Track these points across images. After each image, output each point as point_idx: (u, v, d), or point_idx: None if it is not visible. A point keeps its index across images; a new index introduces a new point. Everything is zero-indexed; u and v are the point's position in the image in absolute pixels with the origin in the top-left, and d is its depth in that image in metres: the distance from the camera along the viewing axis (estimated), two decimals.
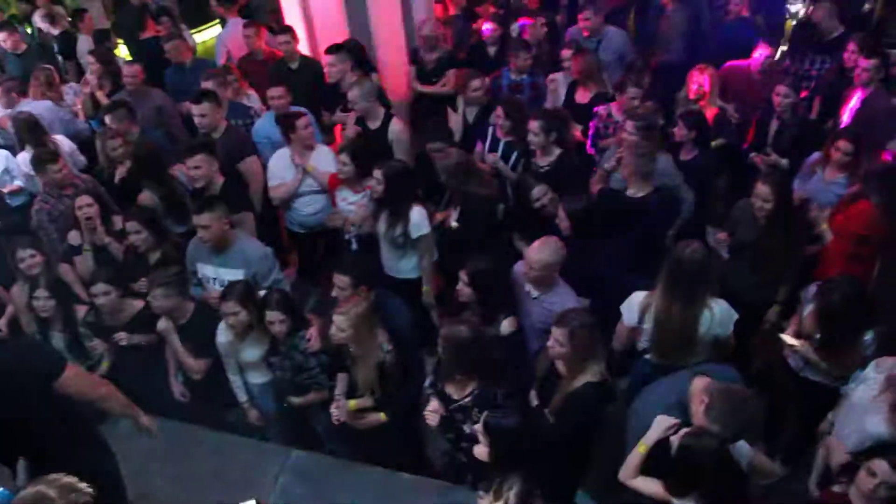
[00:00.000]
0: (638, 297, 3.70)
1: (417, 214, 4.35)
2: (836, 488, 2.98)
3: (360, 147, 4.74)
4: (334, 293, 3.84)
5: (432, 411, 3.43)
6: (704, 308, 3.54)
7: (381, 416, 3.67)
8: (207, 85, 5.47)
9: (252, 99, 6.06)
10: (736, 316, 3.63)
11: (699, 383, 2.98)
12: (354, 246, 4.86)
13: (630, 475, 2.99)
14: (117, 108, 5.46)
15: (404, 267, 4.59)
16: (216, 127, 5.17)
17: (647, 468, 2.97)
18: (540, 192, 4.33)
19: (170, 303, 3.98)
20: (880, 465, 2.70)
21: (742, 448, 2.90)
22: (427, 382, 3.65)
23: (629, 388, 3.80)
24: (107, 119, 5.43)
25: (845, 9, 6.38)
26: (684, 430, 2.84)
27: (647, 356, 3.77)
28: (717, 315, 3.57)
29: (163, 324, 4.04)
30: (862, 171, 4.44)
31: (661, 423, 2.94)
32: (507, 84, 5.96)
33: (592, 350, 3.28)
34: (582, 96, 5.71)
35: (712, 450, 2.69)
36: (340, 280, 3.77)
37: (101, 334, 4.23)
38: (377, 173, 4.29)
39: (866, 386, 3.23)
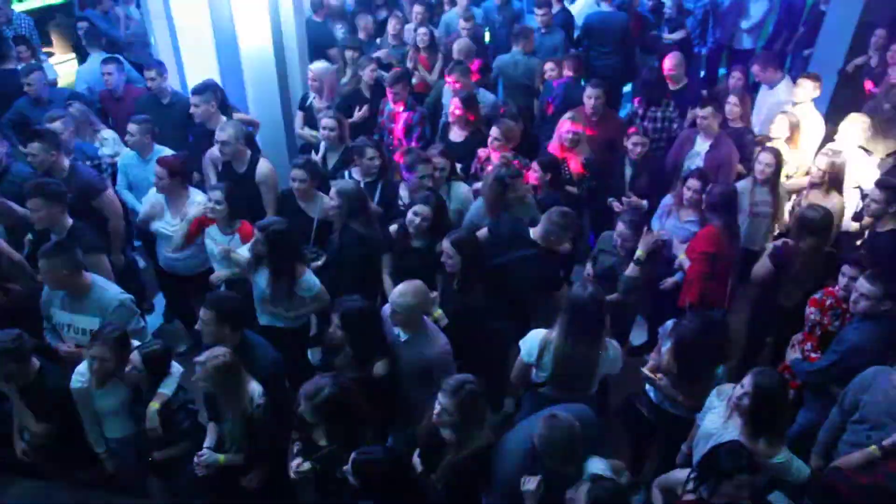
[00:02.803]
0: (538, 335, 3.80)
1: (308, 277, 4.29)
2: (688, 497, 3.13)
3: (232, 188, 4.63)
4: (198, 326, 3.74)
5: (296, 467, 3.35)
6: (603, 348, 3.71)
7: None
8: (53, 125, 5.23)
9: (107, 141, 5.82)
10: (623, 355, 3.84)
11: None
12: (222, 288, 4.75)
13: None
14: None
15: (283, 316, 4.44)
16: (54, 168, 4.89)
17: None
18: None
19: (8, 371, 3.66)
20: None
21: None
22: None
23: (518, 420, 3.85)
24: None
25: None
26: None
27: (543, 389, 3.85)
28: (611, 355, 3.76)
29: (4, 386, 3.71)
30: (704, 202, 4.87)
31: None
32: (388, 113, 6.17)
33: (481, 415, 3.28)
34: (457, 136, 5.93)
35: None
36: (205, 314, 3.67)
37: None
38: (258, 234, 4.19)
39: (713, 413, 3.47)
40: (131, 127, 5.24)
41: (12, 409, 3.86)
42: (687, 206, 5.03)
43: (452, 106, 5.85)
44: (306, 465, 3.34)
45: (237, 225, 4.67)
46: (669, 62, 6.47)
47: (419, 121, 6.09)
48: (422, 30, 7.22)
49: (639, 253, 4.48)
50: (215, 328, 3.67)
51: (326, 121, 5.48)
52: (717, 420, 3.40)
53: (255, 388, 3.53)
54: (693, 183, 4.93)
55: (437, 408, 3.19)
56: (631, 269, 4.50)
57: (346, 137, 5.57)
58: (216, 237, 4.71)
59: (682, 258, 4.80)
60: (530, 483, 3.07)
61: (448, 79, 6.32)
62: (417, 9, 7.63)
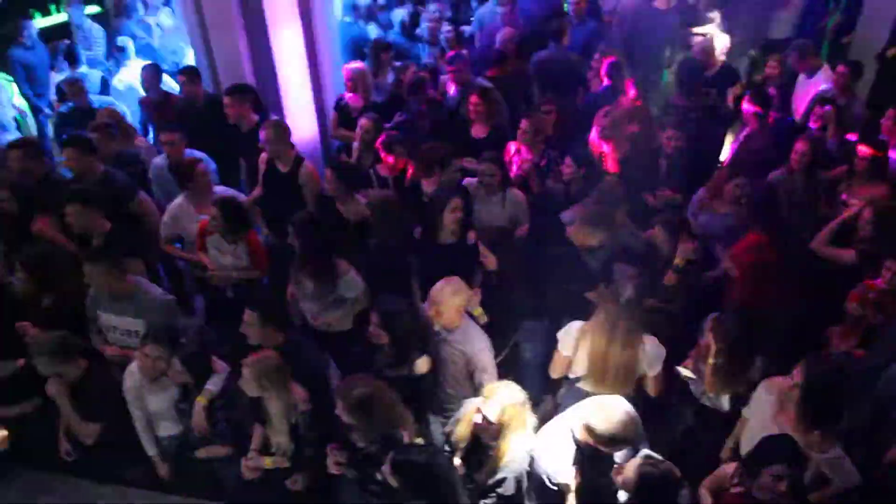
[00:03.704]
0: (575, 327, 3.77)
1: (352, 277, 4.28)
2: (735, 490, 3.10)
3: (232, 203, 4.61)
4: (242, 329, 3.77)
5: (336, 463, 3.37)
6: (640, 346, 3.65)
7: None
8: (93, 134, 5.34)
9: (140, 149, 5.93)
10: (664, 354, 3.75)
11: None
12: (230, 294, 4.79)
13: None
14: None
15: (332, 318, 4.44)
16: (89, 173, 5.00)
17: None
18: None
19: (56, 369, 3.76)
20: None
21: None
22: None
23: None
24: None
25: None
26: None
27: (580, 384, 3.80)
28: (649, 353, 3.69)
29: (52, 387, 3.78)
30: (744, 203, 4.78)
31: None
32: None
33: (522, 422, 3.25)
34: (479, 132, 5.87)
35: None
36: (249, 315, 3.71)
37: None
38: (290, 228, 4.22)
39: (760, 407, 3.42)
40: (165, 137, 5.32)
41: (58, 410, 3.92)
42: (726, 201, 4.90)
43: (470, 102, 5.76)
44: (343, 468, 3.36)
45: (241, 236, 4.62)
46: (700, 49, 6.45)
47: None
48: (446, 27, 7.21)
49: (676, 261, 4.34)
50: (259, 329, 3.72)
51: (363, 121, 5.50)
52: (768, 414, 3.35)
53: (299, 393, 3.56)
54: (742, 182, 4.81)
55: (478, 415, 3.18)
56: (668, 278, 4.36)
57: None
58: (219, 246, 4.69)
59: (730, 267, 4.61)
60: (560, 476, 3.05)
61: (448, 69, 6.30)
62: (434, 6, 7.67)
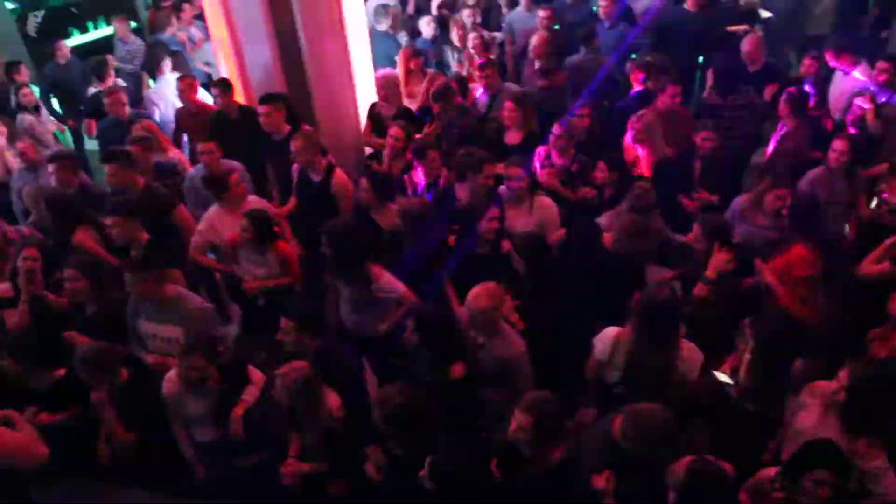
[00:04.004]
0: (610, 333, 3.73)
1: (388, 279, 4.28)
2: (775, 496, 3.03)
3: (259, 214, 4.68)
4: (278, 336, 3.80)
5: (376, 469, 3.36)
6: (677, 350, 3.60)
7: None
8: (132, 147, 5.47)
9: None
10: (702, 358, 3.69)
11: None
12: (262, 301, 4.82)
13: None
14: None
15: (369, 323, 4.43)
16: (129, 185, 5.12)
17: None
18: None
19: (100, 381, 3.82)
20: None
21: None
22: None
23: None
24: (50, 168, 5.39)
25: None
26: None
27: (616, 389, 3.76)
28: (686, 358, 3.64)
29: (96, 397, 3.85)
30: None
31: None
32: None
33: (557, 433, 3.19)
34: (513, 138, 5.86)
35: None
36: (286, 323, 3.74)
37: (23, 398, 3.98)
38: (322, 237, 4.23)
39: (806, 412, 3.35)
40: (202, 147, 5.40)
41: (99, 417, 3.99)
42: (767, 211, 4.76)
43: (505, 108, 5.76)
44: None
45: (268, 246, 4.67)
46: (750, 44, 6.36)
47: None
48: (472, 34, 7.23)
49: (708, 272, 4.17)
50: (296, 336, 3.75)
51: (394, 129, 5.53)
52: (812, 419, 3.29)
53: (333, 400, 3.58)
54: (784, 193, 4.67)
55: (514, 424, 3.15)
56: (699, 288, 4.16)
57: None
58: (251, 257, 4.74)
59: (770, 282, 4.36)
60: (597, 481, 3.02)
61: (478, 74, 6.30)
62: (467, 12, 7.66)
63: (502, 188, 4.97)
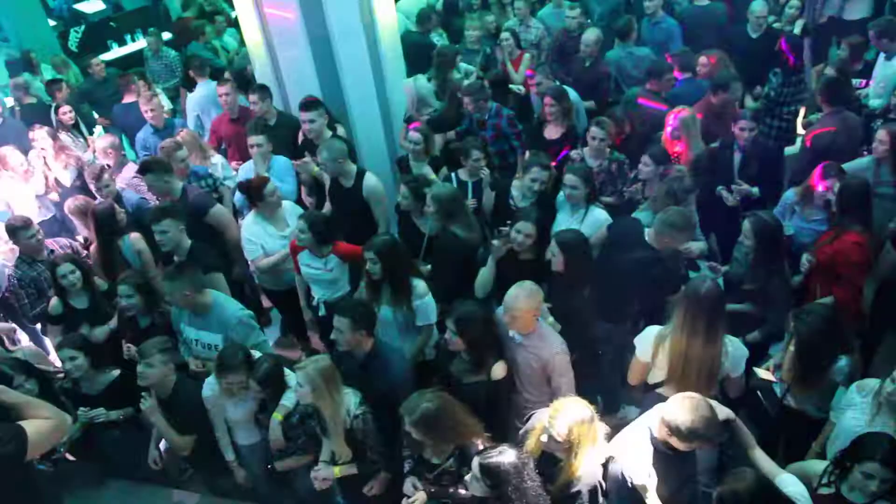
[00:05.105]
0: (652, 332, 3.68)
1: (419, 283, 4.27)
2: (823, 491, 2.97)
3: (316, 217, 4.67)
4: (333, 336, 3.80)
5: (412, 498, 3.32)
6: (722, 345, 3.52)
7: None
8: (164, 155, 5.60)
9: (215, 167, 6.13)
10: (747, 354, 3.63)
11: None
12: (322, 312, 4.82)
13: None
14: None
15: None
16: (168, 192, 5.24)
17: None
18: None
19: (162, 372, 3.89)
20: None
21: None
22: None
23: None
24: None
25: None
26: None
27: (660, 390, 3.67)
28: (731, 353, 3.57)
29: (147, 403, 3.91)
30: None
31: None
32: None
33: (592, 437, 3.12)
34: (552, 133, 5.84)
35: None
36: (339, 321, 3.72)
37: (78, 402, 4.12)
38: (368, 254, 4.13)
39: (854, 410, 3.27)
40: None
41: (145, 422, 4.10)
42: (818, 204, 4.67)
43: (544, 103, 5.76)
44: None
45: (328, 248, 4.65)
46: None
47: (508, 124, 6.06)
48: (504, 34, 7.23)
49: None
50: (350, 335, 3.73)
51: (412, 134, 5.56)
52: (862, 417, 3.20)
53: (350, 398, 3.57)
54: (831, 182, 4.54)
55: (545, 436, 3.08)
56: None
57: (431, 151, 5.62)
58: (310, 262, 4.74)
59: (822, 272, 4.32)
60: (637, 478, 2.99)
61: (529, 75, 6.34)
62: (519, 4, 7.79)
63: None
